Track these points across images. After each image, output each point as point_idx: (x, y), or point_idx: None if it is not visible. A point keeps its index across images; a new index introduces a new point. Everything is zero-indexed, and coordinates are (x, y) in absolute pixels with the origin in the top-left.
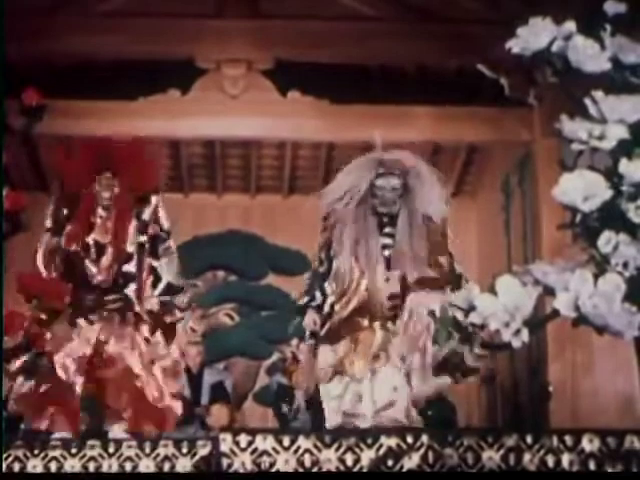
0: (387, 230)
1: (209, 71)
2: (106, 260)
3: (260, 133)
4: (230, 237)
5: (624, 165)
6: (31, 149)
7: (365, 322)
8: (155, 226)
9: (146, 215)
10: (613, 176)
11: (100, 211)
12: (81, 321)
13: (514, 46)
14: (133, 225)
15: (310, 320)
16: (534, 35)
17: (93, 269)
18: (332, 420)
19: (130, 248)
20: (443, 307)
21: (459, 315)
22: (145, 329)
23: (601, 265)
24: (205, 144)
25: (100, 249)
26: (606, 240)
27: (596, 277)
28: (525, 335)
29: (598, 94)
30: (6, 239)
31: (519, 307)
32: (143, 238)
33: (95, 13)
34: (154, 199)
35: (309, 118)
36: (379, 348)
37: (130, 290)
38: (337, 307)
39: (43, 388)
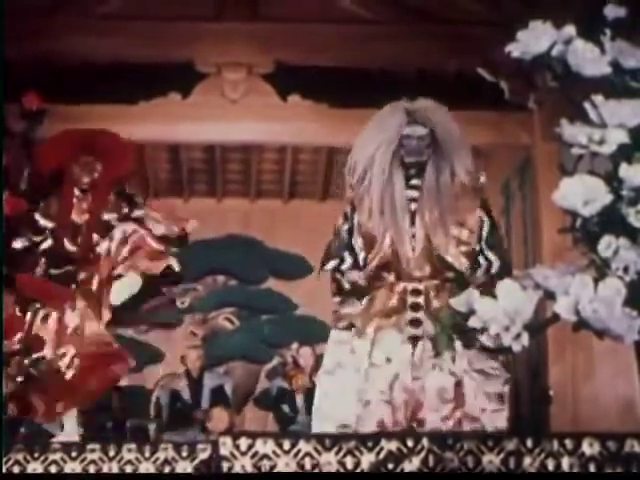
0: (414, 182)
1: (209, 75)
2: (81, 239)
3: (260, 137)
4: (230, 241)
5: (624, 169)
6: (31, 153)
7: (391, 278)
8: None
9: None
10: (613, 180)
11: (77, 192)
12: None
13: (514, 50)
14: (112, 202)
15: (354, 277)
16: (534, 39)
17: (71, 247)
18: (327, 364)
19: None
20: (443, 312)
21: (460, 319)
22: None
23: (601, 269)
24: (205, 148)
25: (76, 229)
26: (606, 244)
27: (596, 281)
28: (525, 339)
29: (598, 98)
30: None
31: (519, 311)
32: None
33: (95, 15)
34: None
35: (309, 122)
36: (394, 311)
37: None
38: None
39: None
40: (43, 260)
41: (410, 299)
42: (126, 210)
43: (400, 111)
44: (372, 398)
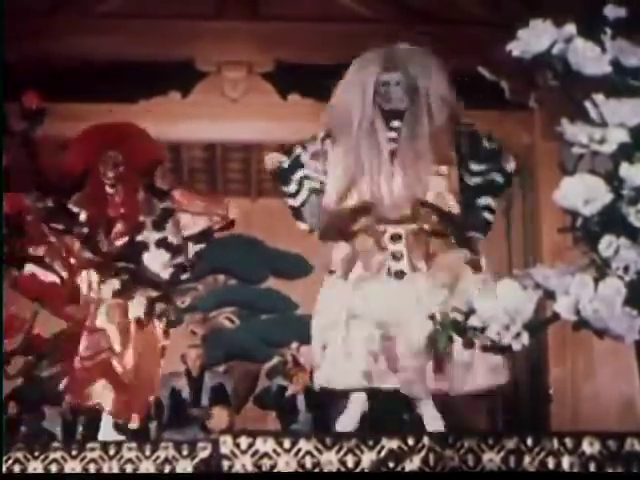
0: (394, 124)
1: (209, 74)
2: (115, 235)
3: (260, 136)
4: (231, 241)
5: (625, 169)
6: (31, 152)
7: (369, 222)
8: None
9: (159, 183)
10: (614, 180)
11: (107, 188)
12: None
13: (514, 49)
14: (143, 197)
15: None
16: (534, 38)
17: (105, 243)
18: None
19: (143, 219)
20: (443, 311)
21: (459, 317)
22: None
23: (601, 269)
24: (206, 147)
25: (110, 223)
26: (607, 244)
27: (596, 281)
28: (525, 338)
29: (599, 97)
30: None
31: (519, 310)
32: (163, 205)
33: (95, 14)
34: (159, 169)
35: (309, 121)
36: (373, 258)
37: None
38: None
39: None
40: (77, 244)
41: (391, 246)
42: (159, 206)
43: (378, 57)
44: (354, 350)
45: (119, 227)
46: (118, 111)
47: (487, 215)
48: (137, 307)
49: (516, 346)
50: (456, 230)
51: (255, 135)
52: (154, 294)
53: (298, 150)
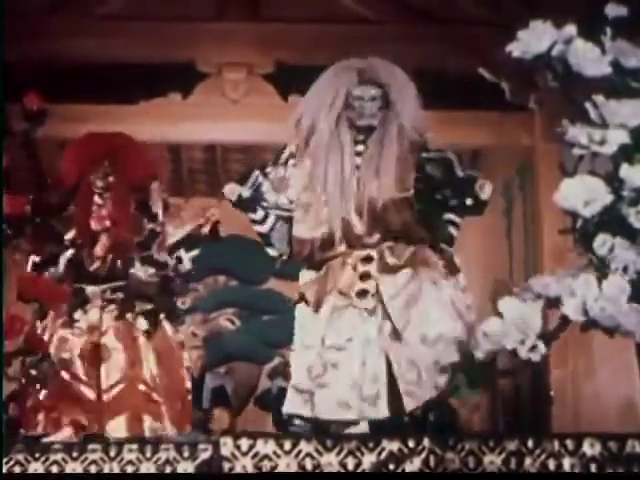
0: (361, 148)
1: (210, 75)
2: (100, 249)
3: (261, 137)
4: (231, 242)
5: (625, 170)
6: (32, 153)
7: (342, 248)
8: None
9: (150, 202)
10: (614, 181)
11: (96, 199)
12: (78, 314)
13: (515, 50)
14: (136, 213)
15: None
16: (535, 39)
17: (86, 258)
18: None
19: (137, 236)
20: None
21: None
22: (143, 322)
23: (600, 269)
24: (206, 148)
25: (94, 237)
26: (601, 242)
27: (600, 280)
28: (542, 348)
29: (599, 98)
30: (6, 243)
31: (528, 323)
32: (150, 226)
33: (95, 16)
34: (154, 185)
35: None
36: (348, 286)
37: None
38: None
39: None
40: (67, 272)
41: (360, 267)
42: (147, 227)
43: (350, 70)
44: (329, 381)
45: (104, 240)
46: (119, 112)
47: (452, 229)
48: (141, 322)
49: (535, 357)
50: (423, 237)
51: (256, 136)
52: (150, 306)
53: (258, 177)
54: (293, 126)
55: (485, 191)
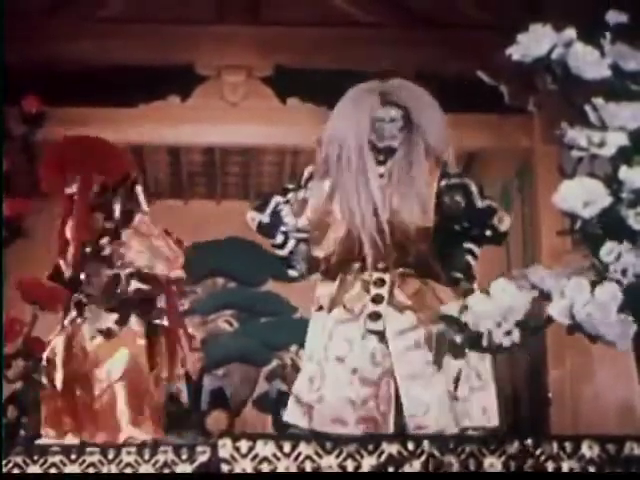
0: (382, 170)
1: (209, 78)
2: (70, 256)
3: (260, 140)
4: (230, 244)
5: (624, 172)
6: (31, 156)
7: (356, 266)
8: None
9: (117, 204)
10: (613, 183)
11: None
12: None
13: (514, 53)
14: (100, 217)
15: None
16: (534, 42)
17: (63, 265)
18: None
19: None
20: (439, 333)
21: (453, 332)
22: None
23: (600, 272)
24: (205, 151)
25: (64, 246)
26: (605, 247)
27: (593, 285)
28: (516, 336)
29: (598, 101)
30: (6, 246)
31: (512, 308)
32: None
33: (95, 19)
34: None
35: (309, 125)
36: (355, 301)
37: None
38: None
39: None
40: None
41: (373, 290)
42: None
43: (372, 93)
44: (326, 393)
45: (71, 251)
46: (118, 115)
47: (469, 258)
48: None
49: (506, 343)
50: (437, 271)
51: (254, 139)
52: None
53: (278, 203)
54: (318, 150)
55: (504, 224)
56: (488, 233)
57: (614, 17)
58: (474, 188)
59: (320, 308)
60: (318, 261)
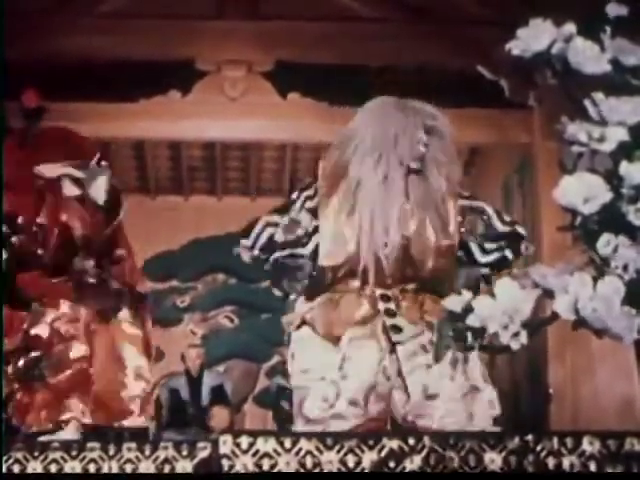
0: (404, 187)
1: (209, 73)
2: (49, 242)
3: (260, 135)
4: (230, 240)
5: (624, 167)
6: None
7: (356, 283)
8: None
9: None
10: (613, 178)
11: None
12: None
13: (514, 47)
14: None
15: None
16: (534, 37)
17: (40, 252)
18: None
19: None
20: (440, 320)
21: (456, 323)
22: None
23: (601, 268)
24: (205, 146)
25: (45, 232)
26: (605, 242)
27: (595, 280)
28: (524, 337)
29: (598, 96)
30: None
31: (518, 309)
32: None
33: (95, 14)
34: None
35: (309, 120)
36: (367, 319)
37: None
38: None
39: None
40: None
41: (382, 305)
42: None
43: (412, 111)
44: (342, 410)
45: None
46: (118, 110)
47: (482, 284)
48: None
49: (515, 346)
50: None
51: (255, 134)
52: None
53: (264, 230)
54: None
55: (529, 252)
56: (509, 255)
57: (614, 10)
58: (491, 211)
59: (303, 324)
60: (324, 272)
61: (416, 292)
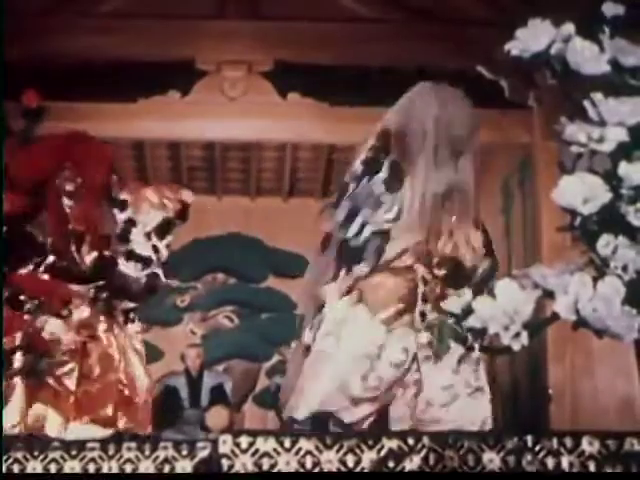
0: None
1: (209, 73)
2: (85, 248)
3: (260, 135)
4: (230, 240)
5: (623, 168)
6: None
7: (408, 262)
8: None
9: (122, 197)
10: (612, 179)
11: (66, 201)
12: (65, 312)
13: (513, 48)
14: (106, 207)
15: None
16: (533, 37)
17: (77, 258)
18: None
19: (108, 233)
20: (441, 319)
21: (457, 323)
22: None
23: (600, 268)
24: (205, 146)
25: (79, 237)
26: (605, 243)
27: (595, 280)
28: (525, 338)
29: (597, 96)
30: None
31: (518, 310)
32: (123, 216)
33: (95, 14)
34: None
35: (309, 120)
36: (409, 302)
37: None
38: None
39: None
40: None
41: (420, 288)
42: (121, 217)
43: (464, 103)
44: (360, 393)
45: (88, 240)
46: (118, 110)
47: None
48: (122, 320)
49: (515, 346)
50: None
51: (254, 134)
52: (131, 305)
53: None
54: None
55: None
56: None
57: (611, 9)
58: None
59: (361, 302)
60: (389, 257)
61: (442, 281)
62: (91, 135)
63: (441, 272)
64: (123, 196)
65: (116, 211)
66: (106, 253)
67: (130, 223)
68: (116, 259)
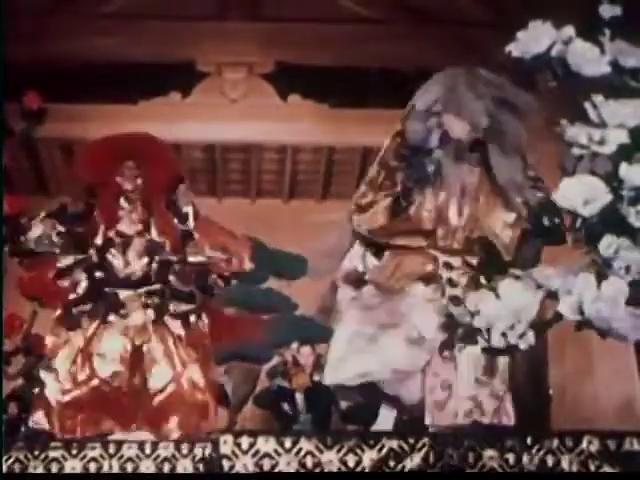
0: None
1: (210, 74)
2: (133, 252)
3: (260, 137)
4: None
5: (624, 169)
6: (31, 153)
7: (422, 243)
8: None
9: (181, 203)
10: (613, 180)
11: (122, 202)
12: (112, 317)
13: (514, 50)
14: (169, 214)
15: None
16: (534, 39)
17: (119, 262)
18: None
19: (171, 238)
20: (448, 317)
21: (465, 318)
22: (177, 325)
23: (602, 269)
24: (205, 148)
25: (126, 241)
26: (607, 245)
27: (599, 281)
28: (531, 337)
29: (598, 98)
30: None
31: (524, 310)
32: (185, 227)
33: (96, 15)
34: (182, 187)
35: (309, 122)
36: (428, 280)
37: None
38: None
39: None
40: (84, 277)
41: (445, 273)
42: (179, 228)
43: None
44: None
45: (137, 244)
46: (118, 112)
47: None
48: (176, 324)
49: (522, 345)
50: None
51: (255, 136)
52: (188, 307)
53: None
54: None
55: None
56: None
57: (608, 11)
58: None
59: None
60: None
61: (475, 269)
62: (155, 136)
63: (466, 258)
64: (186, 209)
65: (176, 221)
66: (162, 258)
67: (187, 235)
68: (171, 263)
